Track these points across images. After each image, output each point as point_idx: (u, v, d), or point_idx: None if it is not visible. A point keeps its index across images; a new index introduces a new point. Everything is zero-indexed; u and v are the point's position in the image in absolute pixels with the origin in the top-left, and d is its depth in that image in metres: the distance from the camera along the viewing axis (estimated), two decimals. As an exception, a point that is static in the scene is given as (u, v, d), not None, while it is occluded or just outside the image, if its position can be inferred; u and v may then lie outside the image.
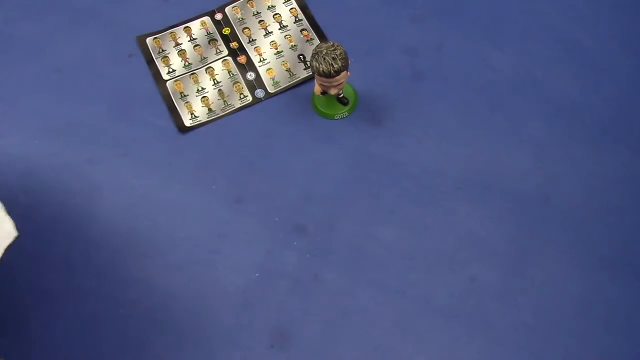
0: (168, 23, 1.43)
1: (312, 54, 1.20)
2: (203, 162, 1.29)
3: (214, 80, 1.37)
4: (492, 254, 1.20)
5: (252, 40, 1.40)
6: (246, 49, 1.40)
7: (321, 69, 1.19)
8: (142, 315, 1.16)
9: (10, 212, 1.25)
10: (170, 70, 1.38)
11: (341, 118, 1.33)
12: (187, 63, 1.38)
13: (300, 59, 1.38)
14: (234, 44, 1.40)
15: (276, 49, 1.39)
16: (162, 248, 1.21)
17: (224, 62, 1.38)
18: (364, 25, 1.42)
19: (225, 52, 1.39)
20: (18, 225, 1.24)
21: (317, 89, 1.28)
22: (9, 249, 1.13)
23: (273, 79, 1.37)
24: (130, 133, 1.32)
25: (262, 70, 1.37)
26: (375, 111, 1.33)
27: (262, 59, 1.38)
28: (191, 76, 1.37)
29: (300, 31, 1.41)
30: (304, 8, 1.44)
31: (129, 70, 1.38)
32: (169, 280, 1.19)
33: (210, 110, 1.34)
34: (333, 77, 1.20)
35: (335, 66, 1.19)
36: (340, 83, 1.23)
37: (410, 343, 1.13)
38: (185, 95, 1.35)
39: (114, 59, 1.39)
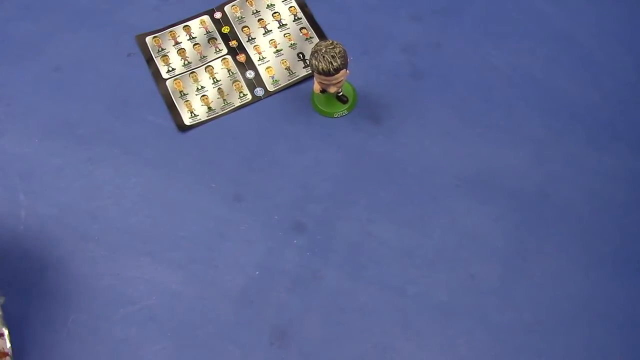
0: (167, 22, 1.43)
1: (312, 52, 1.21)
2: (203, 161, 1.29)
3: (213, 79, 1.37)
4: (492, 252, 1.20)
5: (252, 38, 1.41)
6: (245, 48, 1.40)
7: (320, 67, 1.20)
8: (141, 314, 1.16)
9: (9, 211, 1.25)
10: (170, 69, 1.38)
11: (340, 116, 1.33)
12: (186, 62, 1.38)
13: (299, 57, 1.39)
14: (233, 43, 1.40)
15: (275, 47, 1.40)
16: (162, 247, 1.21)
17: (223, 61, 1.38)
18: (363, 24, 1.42)
19: (225, 50, 1.40)
20: (17, 226, 1.24)
21: (317, 87, 1.28)
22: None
23: (272, 77, 1.37)
24: (130, 132, 1.32)
25: (261, 69, 1.37)
26: (375, 109, 1.33)
27: (261, 58, 1.39)
28: (191, 75, 1.37)
29: (300, 30, 1.41)
30: (303, 6, 1.44)
31: (129, 69, 1.38)
32: (168, 279, 1.19)
33: (209, 108, 1.34)
34: (332, 75, 1.21)
35: (335, 64, 1.19)
36: (340, 81, 1.23)
37: (409, 340, 1.14)
38: (184, 94, 1.35)
39: (114, 58, 1.39)
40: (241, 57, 1.39)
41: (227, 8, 1.44)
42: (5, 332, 1.10)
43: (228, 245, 1.21)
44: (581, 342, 1.13)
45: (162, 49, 1.40)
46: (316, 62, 1.20)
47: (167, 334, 1.15)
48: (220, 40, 1.41)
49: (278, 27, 1.42)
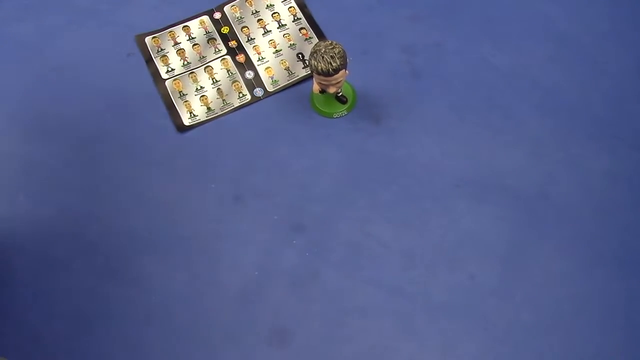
0: (167, 22, 1.43)
1: (311, 52, 1.20)
2: (202, 161, 1.29)
3: (212, 79, 1.37)
4: (491, 252, 1.20)
5: (251, 39, 1.41)
6: (245, 48, 1.40)
7: (320, 68, 1.19)
8: (141, 314, 1.16)
9: (9, 211, 1.25)
10: (169, 69, 1.38)
11: (340, 116, 1.33)
12: (186, 62, 1.38)
13: (298, 57, 1.38)
14: (232, 43, 1.40)
15: (275, 47, 1.40)
16: (162, 247, 1.21)
17: (222, 61, 1.38)
18: (362, 24, 1.42)
19: (224, 51, 1.40)
20: (17, 226, 1.24)
21: (316, 87, 1.28)
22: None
23: (272, 77, 1.37)
24: (130, 132, 1.32)
25: (260, 69, 1.37)
26: (374, 109, 1.33)
27: (260, 58, 1.38)
28: (190, 75, 1.37)
29: (299, 30, 1.41)
30: (302, 7, 1.44)
31: (128, 69, 1.38)
32: (168, 279, 1.19)
33: (209, 109, 1.34)
34: (331, 75, 1.20)
35: (334, 64, 1.19)
36: (339, 81, 1.23)
37: (408, 340, 1.13)
38: (184, 94, 1.35)
39: (113, 58, 1.39)
40: (240, 58, 1.39)
41: (226, 8, 1.44)
42: None
43: (227, 246, 1.21)
44: (580, 342, 1.13)
45: (162, 49, 1.40)
46: (315, 63, 1.19)
47: (167, 333, 1.15)
48: (219, 40, 1.41)
49: (277, 28, 1.42)
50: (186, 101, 1.34)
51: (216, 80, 1.36)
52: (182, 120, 1.32)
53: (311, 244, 1.21)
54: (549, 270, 1.18)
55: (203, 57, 1.39)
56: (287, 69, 1.37)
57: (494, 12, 1.43)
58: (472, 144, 1.29)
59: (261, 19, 1.42)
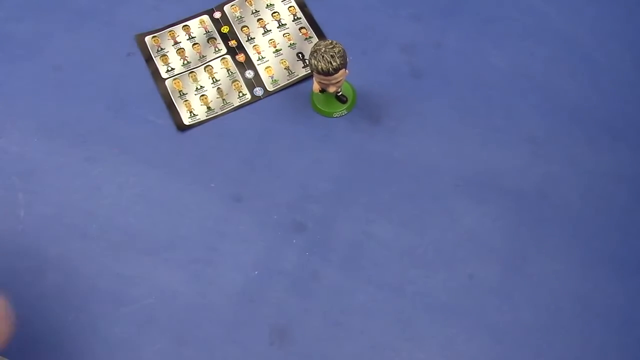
0: (167, 22, 1.43)
1: (311, 52, 1.20)
2: (202, 161, 1.29)
3: (212, 78, 1.37)
4: (490, 252, 1.20)
5: (251, 38, 1.41)
6: (245, 48, 1.40)
7: (320, 67, 1.19)
8: (141, 313, 1.16)
9: (8, 211, 1.25)
10: (169, 68, 1.38)
11: (340, 116, 1.33)
12: (185, 61, 1.38)
13: (298, 57, 1.38)
14: (232, 43, 1.40)
15: (275, 47, 1.40)
16: (161, 246, 1.21)
17: (222, 61, 1.38)
18: (362, 24, 1.42)
19: (224, 50, 1.40)
20: (16, 225, 1.24)
21: (316, 87, 1.28)
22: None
23: (272, 77, 1.37)
24: (129, 131, 1.32)
25: (260, 69, 1.37)
26: (374, 109, 1.33)
27: (260, 57, 1.38)
28: (190, 75, 1.37)
29: (299, 29, 1.41)
30: (302, 6, 1.44)
31: (128, 68, 1.38)
32: (168, 278, 1.19)
33: (209, 108, 1.34)
34: (331, 74, 1.20)
35: (334, 64, 1.19)
36: (339, 81, 1.23)
37: (408, 340, 1.13)
38: (184, 94, 1.35)
39: (113, 58, 1.39)
40: (240, 57, 1.39)
41: (226, 8, 1.44)
42: None
43: (227, 245, 1.21)
44: (580, 342, 1.13)
45: (162, 49, 1.40)
46: (315, 62, 1.19)
47: (166, 333, 1.15)
48: (219, 40, 1.41)
49: (277, 27, 1.42)
50: (186, 100, 1.34)
51: (216, 80, 1.36)
52: (182, 120, 1.32)
53: (311, 243, 1.21)
54: (549, 269, 1.18)
55: (203, 56, 1.39)
56: (287, 68, 1.37)
57: (494, 12, 1.43)
58: (471, 144, 1.29)
59: (261, 19, 1.42)
